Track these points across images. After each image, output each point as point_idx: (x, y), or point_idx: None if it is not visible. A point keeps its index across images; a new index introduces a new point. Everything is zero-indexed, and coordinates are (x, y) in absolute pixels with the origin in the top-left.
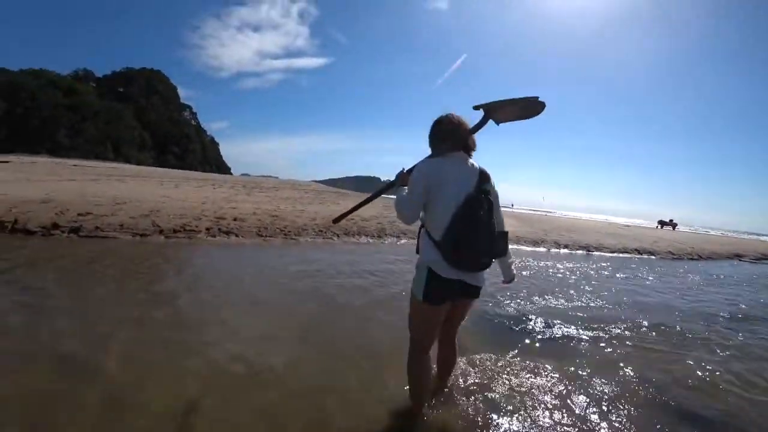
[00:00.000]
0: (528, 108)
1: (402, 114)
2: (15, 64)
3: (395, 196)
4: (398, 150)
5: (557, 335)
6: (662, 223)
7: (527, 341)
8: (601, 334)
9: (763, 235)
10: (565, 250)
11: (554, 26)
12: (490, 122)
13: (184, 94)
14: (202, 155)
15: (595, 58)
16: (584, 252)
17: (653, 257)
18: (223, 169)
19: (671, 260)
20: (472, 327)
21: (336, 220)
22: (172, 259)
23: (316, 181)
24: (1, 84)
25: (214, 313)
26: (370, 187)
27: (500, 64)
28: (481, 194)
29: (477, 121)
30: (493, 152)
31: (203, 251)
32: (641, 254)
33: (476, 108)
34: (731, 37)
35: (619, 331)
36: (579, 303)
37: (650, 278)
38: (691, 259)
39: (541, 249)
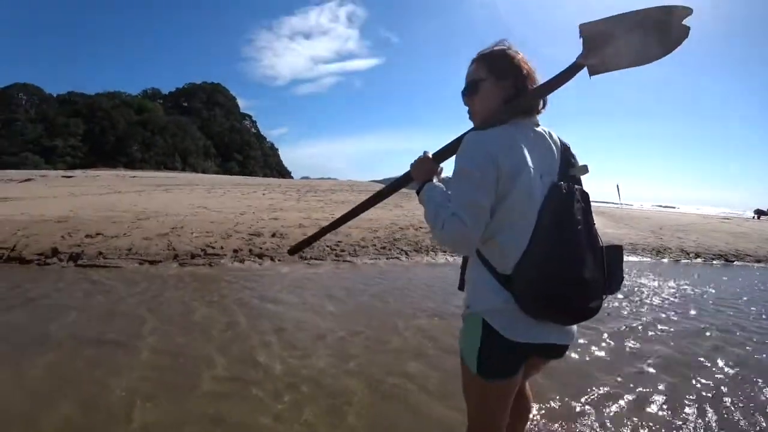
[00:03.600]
0: (662, 32)
1: (452, 110)
2: (92, 88)
3: (427, 205)
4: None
5: None
6: (760, 212)
7: None
8: None
9: None
10: (699, 260)
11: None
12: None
13: (243, 104)
14: (263, 161)
15: None
16: (722, 262)
17: None
18: (283, 173)
19: None
20: None
21: (293, 251)
22: (170, 303)
23: (374, 181)
24: (81, 107)
25: None
26: None
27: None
28: (571, 184)
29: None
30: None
31: (218, 289)
32: None
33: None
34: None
35: None
36: None
37: None
38: None
39: (666, 260)
